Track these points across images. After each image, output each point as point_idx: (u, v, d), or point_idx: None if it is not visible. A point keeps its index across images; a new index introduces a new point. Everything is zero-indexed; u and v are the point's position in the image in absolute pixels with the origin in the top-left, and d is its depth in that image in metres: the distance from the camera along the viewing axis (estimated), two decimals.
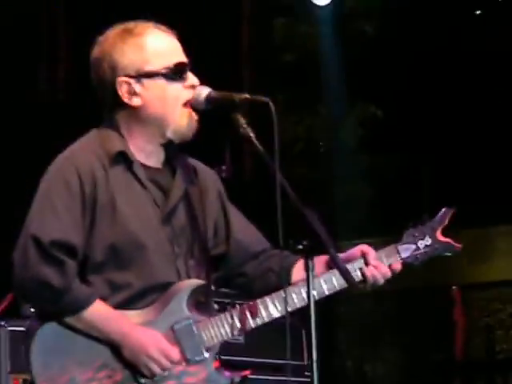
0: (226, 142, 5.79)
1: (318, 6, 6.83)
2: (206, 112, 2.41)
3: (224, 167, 5.58)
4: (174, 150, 2.50)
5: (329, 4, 6.91)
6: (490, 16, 7.22)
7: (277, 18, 7.46)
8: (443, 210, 2.64)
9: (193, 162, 2.59)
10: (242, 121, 2.32)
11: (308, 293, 2.21)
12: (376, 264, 2.49)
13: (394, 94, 7.00)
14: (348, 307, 7.04)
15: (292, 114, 7.12)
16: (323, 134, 7.33)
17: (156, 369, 2.37)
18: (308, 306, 2.19)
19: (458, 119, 6.87)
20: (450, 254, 2.66)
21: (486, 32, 7.14)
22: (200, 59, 2.61)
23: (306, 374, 3.99)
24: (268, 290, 2.53)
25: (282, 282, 2.49)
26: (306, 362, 4.24)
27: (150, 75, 2.42)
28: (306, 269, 2.20)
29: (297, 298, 2.48)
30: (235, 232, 2.61)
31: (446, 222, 2.64)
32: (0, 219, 5.09)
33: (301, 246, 2.22)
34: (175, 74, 2.43)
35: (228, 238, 2.60)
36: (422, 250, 2.61)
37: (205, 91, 2.42)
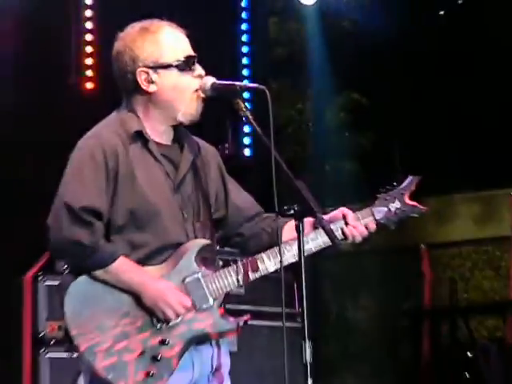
0: (229, 123, 5.67)
1: (305, 6, 6.80)
2: (211, 98, 2.47)
3: (227, 145, 5.50)
4: (181, 130, 2.54)
5: (314, 3, 6.74)
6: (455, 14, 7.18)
7: (271, 17, 7.21)
8: (410, 177, 2.67)
9: (197, 139, 2.63)
10: (242, 105, 2.39)
11: (299, 250, 2.25)
12: (354, 224, 2.52)
13: (370, 83, 6.97)
14: (333, 265, 6.93)
15: (285, 99, 7.11)
16: (312, 116, 7.40)
17: (171, 314, 2.39)
18: (299, 261, 2.26)
19: (421, 99, 7.02)
20: (416, 216, 2.69)
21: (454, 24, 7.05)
22: (205, 53, 2.65)
23: (298, 320, 4.09)
24: (261, 248, 2.56)
25: (273, 241, 2.53)
26: (297, 310, 4.38)
27: (165, 66, 2.45)
28: (297, 230, 2.26)
29: (288, 254, 2.49)
30: (233, 199, 2.65)
31: (413, 188, 2.67)
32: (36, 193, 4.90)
33: (292, 211, 2.27)
34: (185, 65, 2.47)
35: (227, 204, 2.64)
36: (393, 212, 2.62)
37: (210, 80, 2.47)
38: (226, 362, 2.57)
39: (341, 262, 6.93)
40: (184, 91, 2.49)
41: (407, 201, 2.65)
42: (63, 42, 5.88)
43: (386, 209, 2.63)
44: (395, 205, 2.64)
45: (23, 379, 4.58)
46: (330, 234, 2.32)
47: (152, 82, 2.46)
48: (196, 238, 2.51)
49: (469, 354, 5.96)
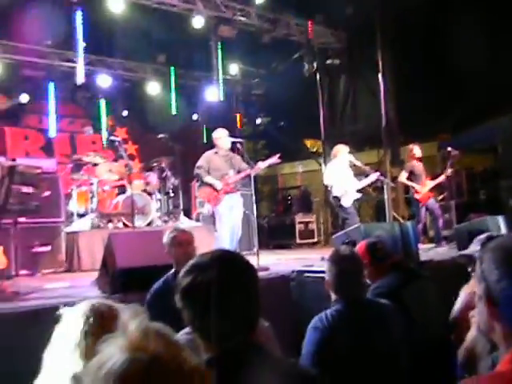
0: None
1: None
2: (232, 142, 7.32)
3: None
4: (227, 150, 7.27)
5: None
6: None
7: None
8: (276, 155, 7.04)
9: (231, 153, 7.38)
10: (239, 144, 7.36)
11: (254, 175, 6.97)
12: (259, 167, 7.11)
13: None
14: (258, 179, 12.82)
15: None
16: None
17: (221, 188, 7.12)
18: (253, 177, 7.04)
19: None
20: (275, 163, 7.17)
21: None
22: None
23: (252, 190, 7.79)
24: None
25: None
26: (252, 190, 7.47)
27: (219, 139, 7.42)
28: (251, 169, 7.01)
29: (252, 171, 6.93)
30: (240, 165, 7.34)
31: (277, 157, 7.08)
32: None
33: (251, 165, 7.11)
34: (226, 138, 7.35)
35: (239, 166, 7.33)
36: (267, 163, 7.28)
37: (231, 138, 7.31)
38: (239, 200, 7.33)
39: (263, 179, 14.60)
40: (224, 143, 7.20)
41: (275, 159, 7.07)
42: None
43: (261, 163, 7.09)
44: (269, 160, 7.16)
45: None
46: (256, 170, 7.03)
47: (217, 141, 7.22)
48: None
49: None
